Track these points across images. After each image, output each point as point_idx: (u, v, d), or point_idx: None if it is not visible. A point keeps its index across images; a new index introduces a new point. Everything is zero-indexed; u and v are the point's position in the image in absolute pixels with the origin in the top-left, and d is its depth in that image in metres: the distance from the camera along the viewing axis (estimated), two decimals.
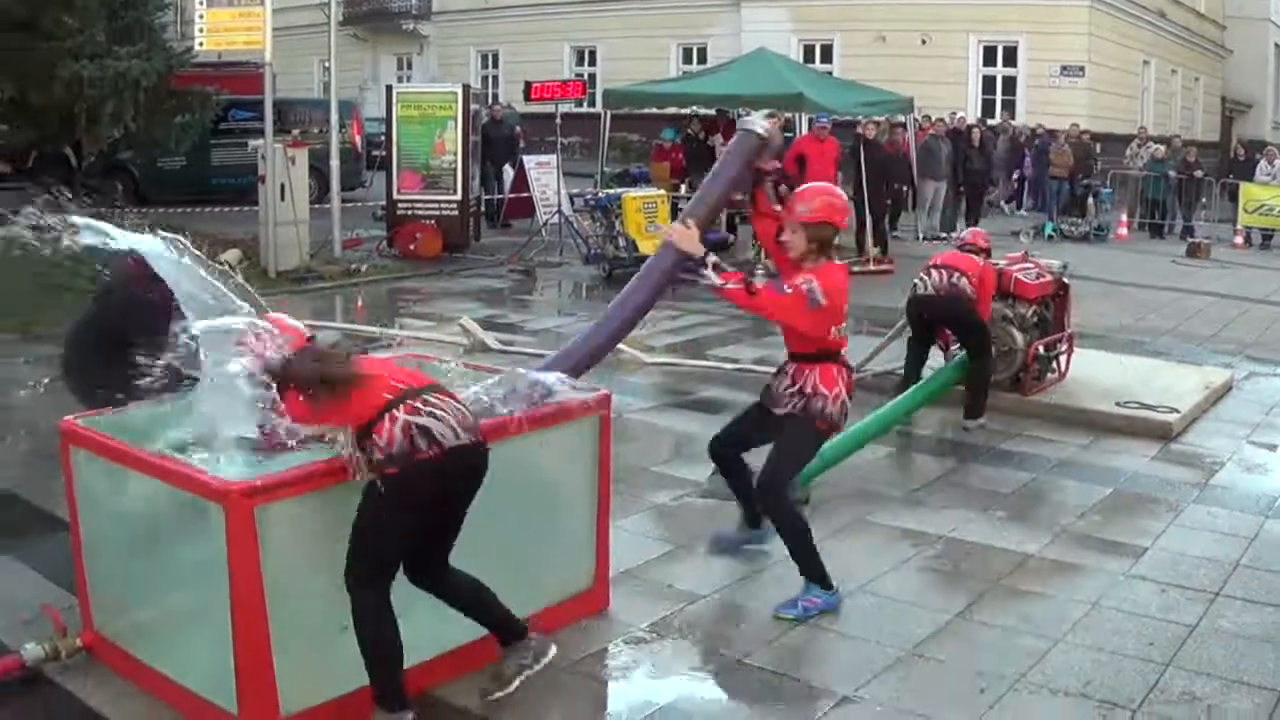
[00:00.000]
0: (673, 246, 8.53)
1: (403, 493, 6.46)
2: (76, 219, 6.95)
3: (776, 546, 9.28)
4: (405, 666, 6.75)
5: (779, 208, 8.67)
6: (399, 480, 6.43)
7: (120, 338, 8.65)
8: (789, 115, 26.50)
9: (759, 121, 8.70)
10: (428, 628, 7.21)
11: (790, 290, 8.21)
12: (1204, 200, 33.63)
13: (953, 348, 13.82)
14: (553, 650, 7.21)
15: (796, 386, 8.50)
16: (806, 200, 8.46)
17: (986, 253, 13.88)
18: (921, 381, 13.35)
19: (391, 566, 6.64)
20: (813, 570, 8.48)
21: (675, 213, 25.56)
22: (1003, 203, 36.52)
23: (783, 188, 22.99)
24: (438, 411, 6.53)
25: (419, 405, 6.52)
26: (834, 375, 8.51)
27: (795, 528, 8.50)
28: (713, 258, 8.22)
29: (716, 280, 8.18)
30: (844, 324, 8.52)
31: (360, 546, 6.54)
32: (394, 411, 6.46)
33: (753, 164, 8.67)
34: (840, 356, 8.63)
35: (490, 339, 16.34)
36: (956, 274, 13.18)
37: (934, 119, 31.37)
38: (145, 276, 10.20)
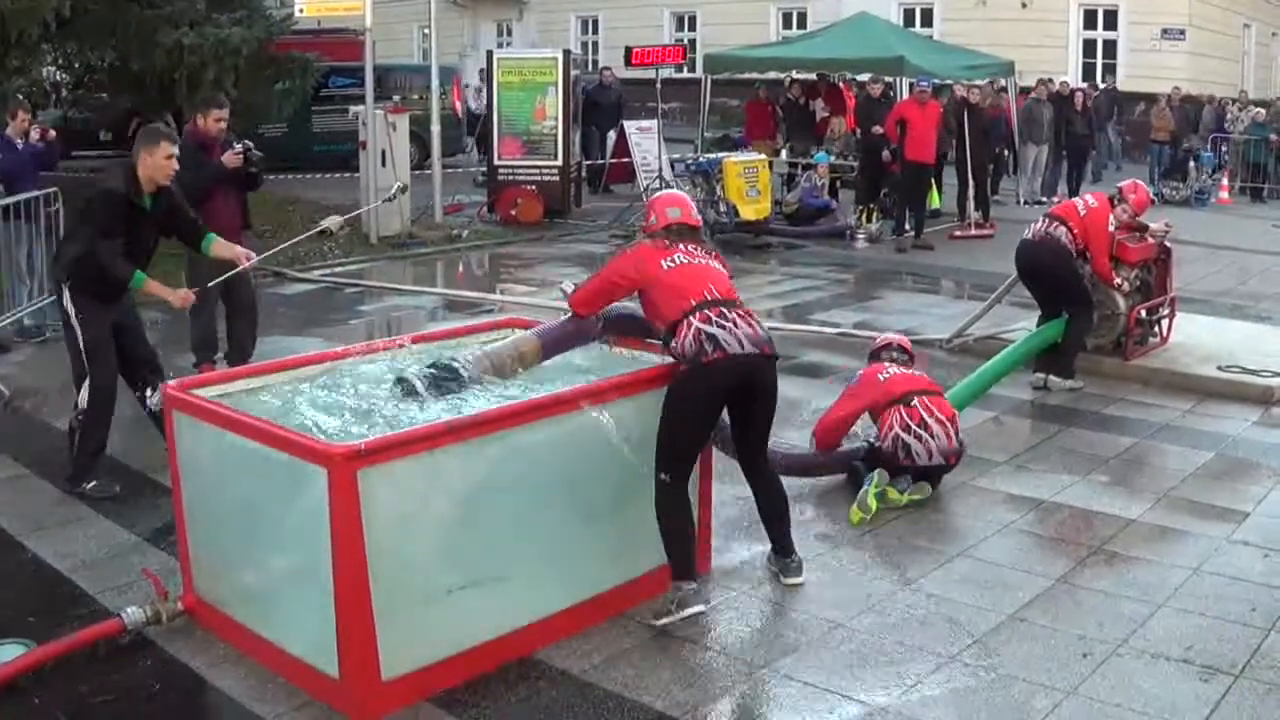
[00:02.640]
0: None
1: (690, 389, 7.73)
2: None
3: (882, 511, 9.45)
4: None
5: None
6: (687, 378, 7.70)
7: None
8: (890, 79, 26.42)
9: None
10: (528, 596, 7.38)
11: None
12: None
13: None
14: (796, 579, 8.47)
15: None
16: None
17: (1121, 196, 13.70)
18: (1018, 341, 13.39)
19: (686, 457, 7.86)
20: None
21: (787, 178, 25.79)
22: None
23: (885, 153, 23.25)
24: (727, 324, 7.70)
25: (711, 315, 7.72)
26: None
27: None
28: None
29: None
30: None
31: (661, 437, 7.73)
32: (690, 319, 7.70)
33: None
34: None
35: None
36: (1056, 223, 13.31)
37: (1036, 83, 30.99)
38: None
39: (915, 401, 10.18)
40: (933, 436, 10.02)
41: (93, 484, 10.09)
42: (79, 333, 10.03)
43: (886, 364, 10.84)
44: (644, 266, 8.02)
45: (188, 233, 10.48)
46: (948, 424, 10.14)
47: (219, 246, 10.41)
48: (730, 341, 7.61)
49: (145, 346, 10.61)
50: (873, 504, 9.70)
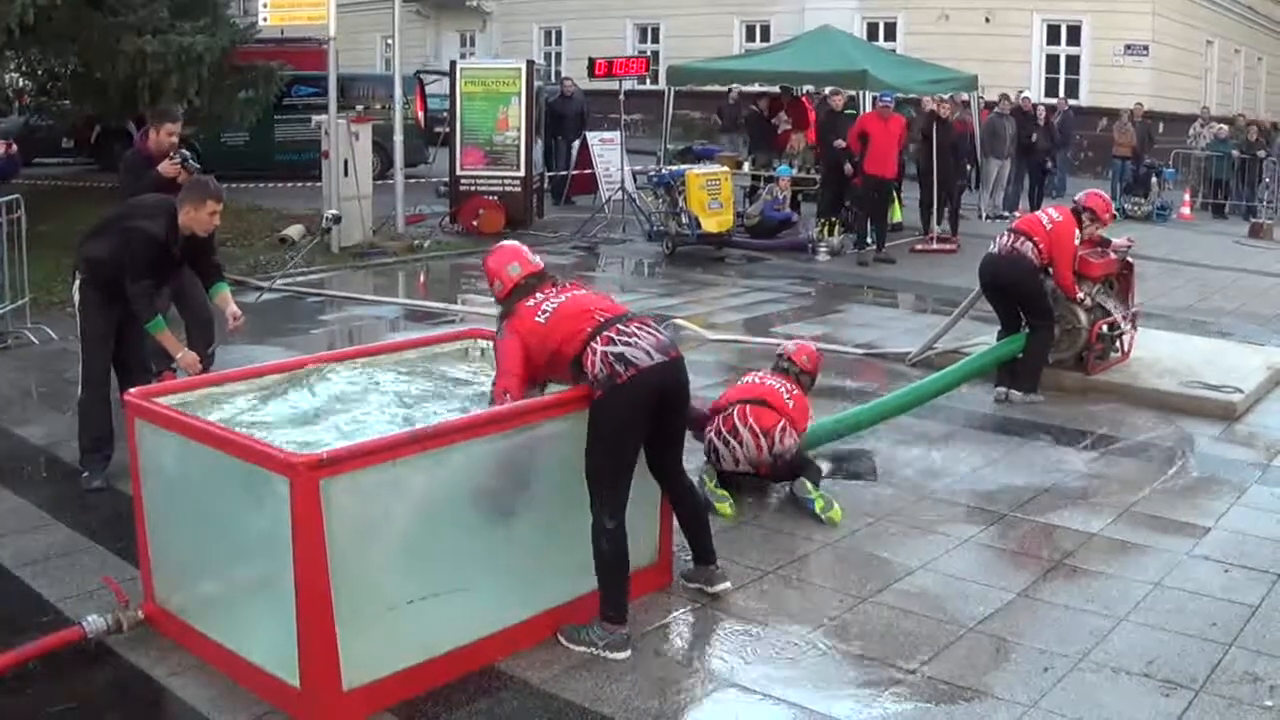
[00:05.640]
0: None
1: (610, 412, 7.51)
2: None
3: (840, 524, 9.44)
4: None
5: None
6: (605, 400, 7.48)
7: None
8: (852, 93, 26.43)
9: None
10: (489, 607, 7.37)
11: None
12: (1266, 181, 33.19)
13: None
14: (723, 585, 8.52)
15: None
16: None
17: (1091, 213, 13.72)
18: (974, 354, 13.45)
19: (618, 485, 7.60)
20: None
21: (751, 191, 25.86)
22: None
23: (847, 166, 23.20)
24: (630, 338, 7.58)
25: (612, 335, 7.59)
26: None
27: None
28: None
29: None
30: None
31: (591, 468, 7.57)
32: (592, 345, 7.55)
33: None
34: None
35: None
36: (1021, 237, 13.33)
37: (1000, 97, 30.95)
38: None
39: (734, 410, 10.41)
40: (740, 444, 10.25)
41: (85, 474, 10.38)
42: (77, 320, 10.44)
43: (753, 374, 11.10)
44: (526, 332, 7.77)
45: (204, 271, 10.75)
46: (761, 436, 10.23)
47: (222, 299, 10.69)
48: (639, 356, 7.51)
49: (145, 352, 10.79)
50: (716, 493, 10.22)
